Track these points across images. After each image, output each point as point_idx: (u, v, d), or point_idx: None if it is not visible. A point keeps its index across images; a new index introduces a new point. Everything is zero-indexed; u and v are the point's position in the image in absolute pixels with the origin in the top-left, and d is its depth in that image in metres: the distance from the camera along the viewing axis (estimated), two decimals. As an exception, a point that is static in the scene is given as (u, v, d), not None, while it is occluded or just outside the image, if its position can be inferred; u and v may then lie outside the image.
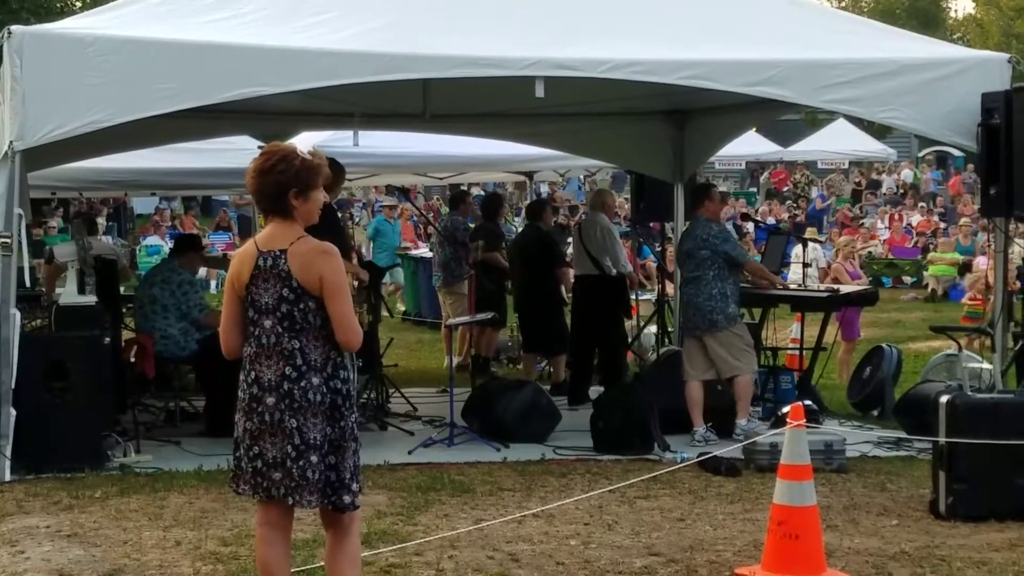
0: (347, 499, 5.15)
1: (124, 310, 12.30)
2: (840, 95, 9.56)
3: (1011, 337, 9.87)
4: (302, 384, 5.07)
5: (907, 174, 38.13)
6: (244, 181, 5.26)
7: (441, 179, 18.96)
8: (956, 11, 64.66)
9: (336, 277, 5.09)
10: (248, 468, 5.15)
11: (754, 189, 38.09)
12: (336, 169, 10.63)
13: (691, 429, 10.19)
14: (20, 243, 8.65)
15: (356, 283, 10.43)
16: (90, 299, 9.53)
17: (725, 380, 10.33)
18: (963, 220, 27.97)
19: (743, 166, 38.63)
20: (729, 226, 19.74)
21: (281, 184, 5.10)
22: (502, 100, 11.50)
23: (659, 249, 15.42)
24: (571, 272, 13.81)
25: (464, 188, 17.48)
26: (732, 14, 10.04)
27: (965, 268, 24.67)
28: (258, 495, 5.18)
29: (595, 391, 11.95)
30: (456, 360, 14.61)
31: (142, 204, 31.64)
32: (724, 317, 10.14)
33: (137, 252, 26.77)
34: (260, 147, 5.42)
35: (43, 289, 12.11)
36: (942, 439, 7.71)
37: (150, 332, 10.76)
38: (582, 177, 34.36)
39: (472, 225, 14.68)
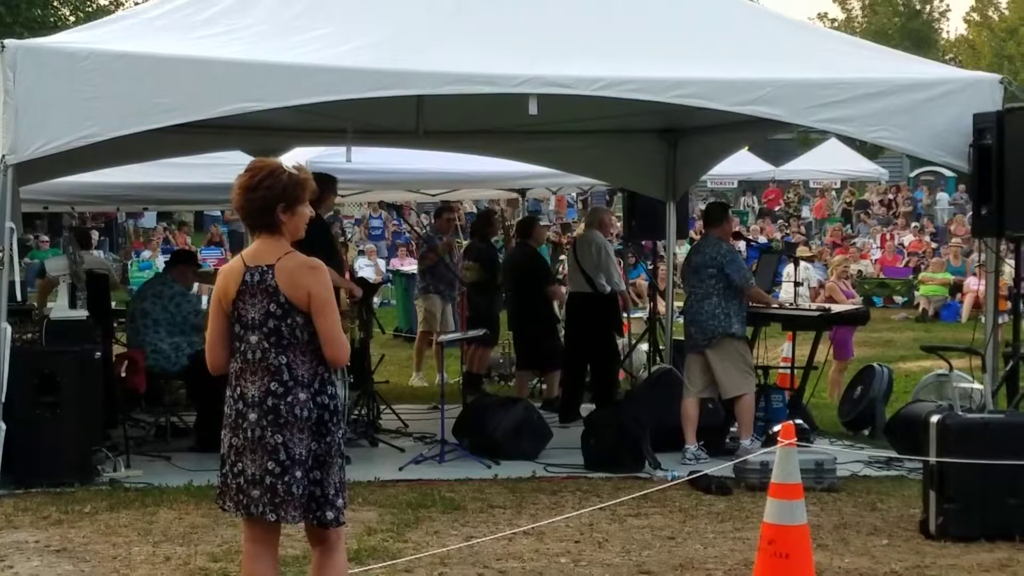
0: (331, 515, 5.14)
1: (115, 324, 12.28)
2: (832, 115, 9.57)
3: (1001, 358, 9.88)
4: (288, 399, 5.06)
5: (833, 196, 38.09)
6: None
7: (434, 195, 18.98)
8: (948, 32, 65.04)
9: (324, 292, 5.09)
10: (232, 484, 5.14)
11: (746, 210, 38.15)
12: (328, 181, 10.63)
13: (682, 447, 10.18)
14: (12, 257, 8.63)
15: (350, 299, 10.43)
16: (81, 313, 9.51)
17: (726, 400, 10.33)
18: (954, 240, 28.03)
19: (735, 184, 38.75)
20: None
21: (268, 199, 5.10)
22: (495, 117, 11.52)
23: (651, 267, 15.43)
24: (562, 289, 13.83)
25: (448, 204, 17.43)
26: (725, 33, 10.07)
27: (956, 288, 24.73)
28: (240, 512, 5.17)
29: (586, 408, 11.96)
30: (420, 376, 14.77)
31: (149, 219, 31.68)
32: (725, 333, 10.14)
33: (129, 267, 26.77)
34: (253, 163, 5.41)
35: (35, 303, 12.09)
36: (933, 459, 7.72)
37: (141, 346, 10.74)
38: (574, 195, 34.46)
39: (442, 238, 14.67)
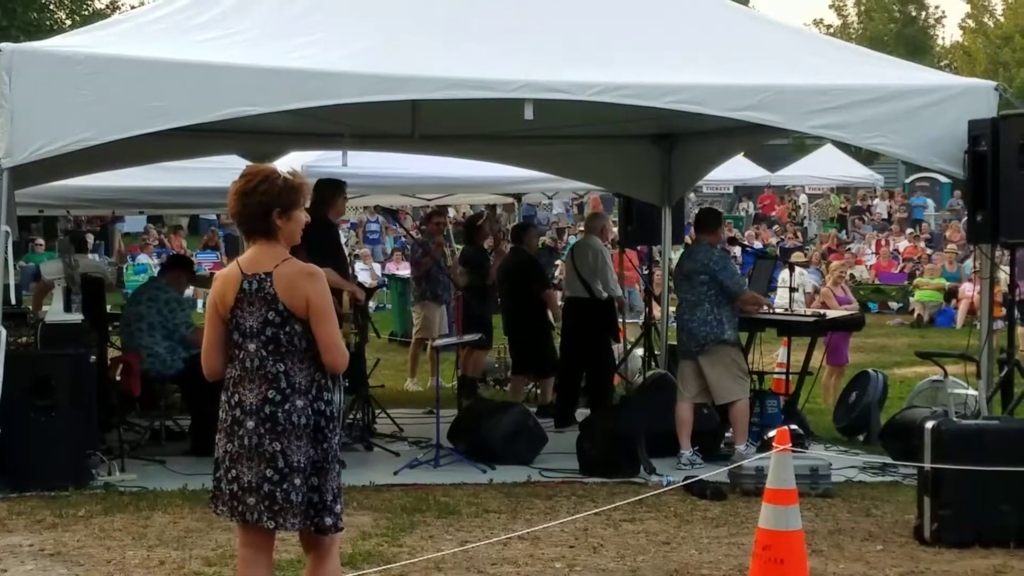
0: (329, 521, 5.14)
1: (111, 328, 12.27)
2: (827, 120, 9.57)
3: (996, 364, 9.87)
4: (286, 407, 5.06)
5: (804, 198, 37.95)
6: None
7: (429, 200, 18.97)
8: (943, 39, 64.99)
9: (322, 300, 5.08)
10: (226, 490, 5.14)
11: (742, 214, 38.16)
12: (337, 186, 10.69)
13: (677, 452, 10.18)
14: (7, 261, 8.62)
15: (352, 303, 10.44)
16: (76, 317, 9.51)
17: (720, 406, 10.33)
18: (949, 246, 28.05)
19: (731, 190, 38.75)
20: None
21: (264, 204, 5.09)
22: (491, 122, 11.51)
23: (646, 272, 15.43)
24: (557, 294, 13.81)
25: (439, 208, 17.40)
26: (720, 39, 10.07)
27: (951, 294, 24.75)
28: (235, 518, 5.17)
29: (582, 413, 11.95)
30: (414, 382, 14.76)
31: (130, 223, 31.63)
32: (717, 340, 10.13)
33: (124, 270, 26.74)
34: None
35: (30, 307, 12.08)
36: (927, 465, 7.72)
37: (136, 350, 10.74)
38: (570, 199, 34.48)
39: (432, 244, 14.67)
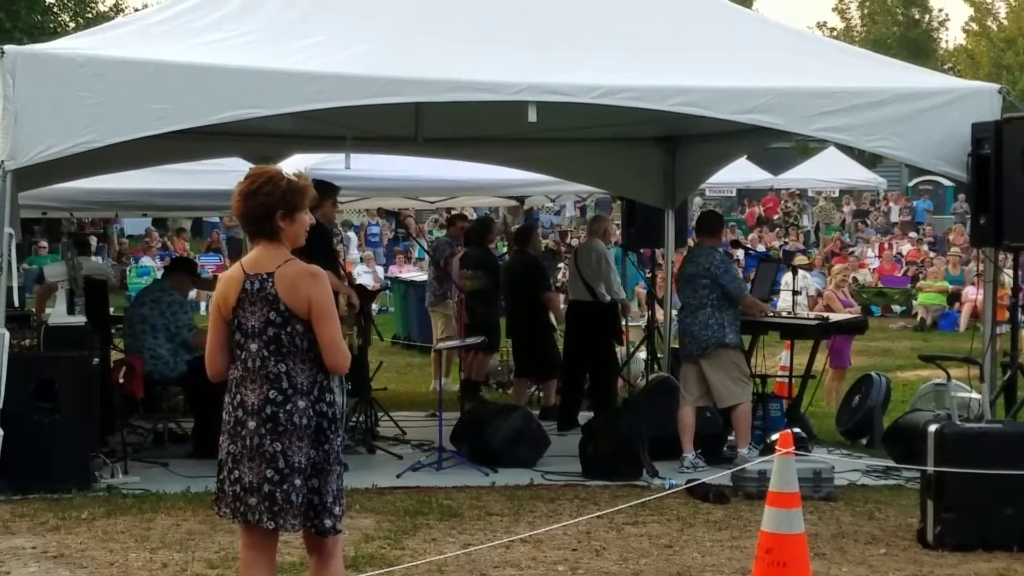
0: (328, 523, 5.14)
1: (114, 330, 12.28)
2: (831, 123, 9.57)
3: (999, 367, 9.87)
4: (287, 407, 5.06)
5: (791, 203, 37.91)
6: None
7: (432, 203, 18.98)
8: (947, 42, 64.86)
9: (324, 300, 5.09)
10: (229, 491, 5.14)
11: (743, 215, 38.15)
12: (327, 189, 10.64)
13: (680, 455, 10.18)
14: (10, 263, 8.63)
15: (348, 307, 10.43)
16: (79, 319, 9.51)
17: (722, 409, 10.32)
18: (953, 249, 28.03)
19: (734, 193, 38.75)
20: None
21: (268, 206, 5.10)
22: (494, 124, 11.52)
23: (649, 275, 15.43)
24: (559, 297, 13.78)
25: (461, 213, 17.42)
26: (724, 42, 10.07)
27: (954, 297, 24.73)
28: (237, 519, 5.17)
29: (584, 416, 11.95)
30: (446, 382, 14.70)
31: (133, 225, 31.68)
32: (719, 343, 10.13)
33: (127, 273, 26.75)
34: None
35: (33, 309, 12.09)
36: (930, 468, 7.72)
37: (139, 352, 10.74)
38: (571, 202, 34.46)
39: (457, 247, 14.69)
